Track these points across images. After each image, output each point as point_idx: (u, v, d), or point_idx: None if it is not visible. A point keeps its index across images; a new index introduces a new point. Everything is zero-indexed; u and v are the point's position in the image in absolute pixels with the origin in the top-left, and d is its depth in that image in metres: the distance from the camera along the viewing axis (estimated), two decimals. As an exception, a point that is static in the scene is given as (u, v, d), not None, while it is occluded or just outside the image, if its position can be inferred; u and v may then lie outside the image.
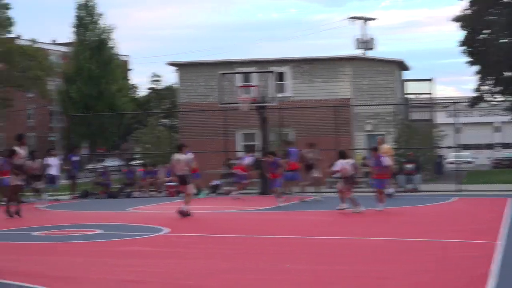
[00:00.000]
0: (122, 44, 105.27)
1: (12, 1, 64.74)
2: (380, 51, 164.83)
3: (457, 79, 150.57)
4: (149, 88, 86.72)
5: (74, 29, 69.08)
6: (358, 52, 60.18)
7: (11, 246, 15.23)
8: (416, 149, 35.91)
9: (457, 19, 52.78)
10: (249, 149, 34.43)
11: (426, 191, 29.87)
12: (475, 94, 54.58)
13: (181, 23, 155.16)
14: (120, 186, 34.17)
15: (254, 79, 36.50)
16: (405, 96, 48.59)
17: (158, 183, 32.67)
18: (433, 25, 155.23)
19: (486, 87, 54.00)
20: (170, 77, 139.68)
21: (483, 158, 66.34)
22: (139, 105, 78.44)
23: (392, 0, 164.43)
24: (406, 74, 47.97)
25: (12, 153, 21.64)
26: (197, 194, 27.50)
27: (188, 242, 15.14)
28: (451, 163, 45.54)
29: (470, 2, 52.28)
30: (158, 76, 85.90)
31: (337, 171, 21.08)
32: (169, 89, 79.94)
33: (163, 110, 73.82)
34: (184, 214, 20.06)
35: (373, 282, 10.23)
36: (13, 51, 64.38)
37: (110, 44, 69.19)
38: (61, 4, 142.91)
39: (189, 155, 21.81)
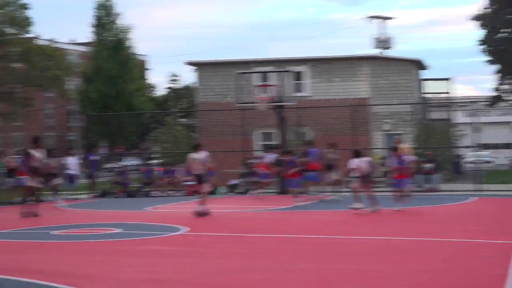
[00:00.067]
0: (141, 43, 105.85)
1: (31, 1, 65.08)
2: (398, 50, 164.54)
3: (476, 78, 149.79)
4: (167, 88, 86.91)
5: (92, 29, 69.40)
6: (376, 52, 59.92)
7: (30, 244, 15.33)
8: (434, 149, 35.78)
9: (476, 18, 52.55)
10: (270, 148, 34.35)
11: (445, 191, 29.74)
12: (494, 93, 54.30)
13: (199, 22, 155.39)
14: (138, 185, 34.29)
15: (272, 79, 36.50)
16: (423, 95, 48.43)
17: (176, 182, 32.73)
18: (452, 24, 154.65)
19: (505, 86, 53.70)
20: (188, 77, 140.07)
21: (502, 158, 65.94)
22: (158, 104, 78.61)
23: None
24: (424, 73, 47.86)
25: (28, 155, 21.74)
26: (213, 193, 27.53)
27: (207, 242, 15.17)
28: (470, 162, 45.32)
29: (490, 0, 52.03)
30: (176, 76, 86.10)
31: (353, 169, 21.03)
32: (187, 89, 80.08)
33: (181, 110, 73.93)
34: (201, 214, 20.10)
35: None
36: (32, 51, 64.63)
37: (128, 43, 69.44)
38: (80, 4, 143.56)
39: (205, 155, 21.79)
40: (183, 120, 64.80)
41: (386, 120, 40.66)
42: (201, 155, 21.03)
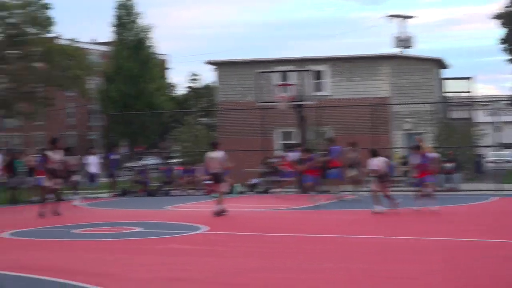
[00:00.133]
0: (162, 43, 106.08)
1: (52, 1, 65.39)
2: (418, 49, 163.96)
3: (497, 77, 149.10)
4: (188, 87, 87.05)
5: (113, 29, 69.69)
6: (397, 51, 59.73)
7: (51, 243, 15.44)
8: (455, 148, 35.63)
9: (497, 16, 52.25)
10: (292, 146, 34.28)
11: (466, 191, 29.61)
12: (515, 93, 53.97)
13: (220, 22, 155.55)
14: (158, 184, 34.39)
15: (292, 78, 36.47)
16: (444, 94, 48.23)
17: (196, 182, 32.80)
18: (473, 22, 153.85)
19: (527, 85, 53.37)
20: (209, 76, 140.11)
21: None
22: (178, 103, 78.78)
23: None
24: (445, 72, 47.65)
25: (45, 157, 21.83)
26: (230, 192, 27.55)
27: (226, 241, 15.21)
28: (491, 162, 45.09)
29: (511, -1, 51.72)
30: (196, 75, 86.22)
31: (373, 170, 20.90)
32: (207, 88, 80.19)
33: (202, 109, 74.06)
34: (219, 213, 20.14)
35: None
36: (53, 50, 65.00)
37: (149, 43, 69.66)
38: (101, 4, 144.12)
39: (222, 154, 21.69)
40: (203, 119, 64.89)
41: (406, 120, 40.53)
42: (218, 154, 21.01)
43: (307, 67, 35.20)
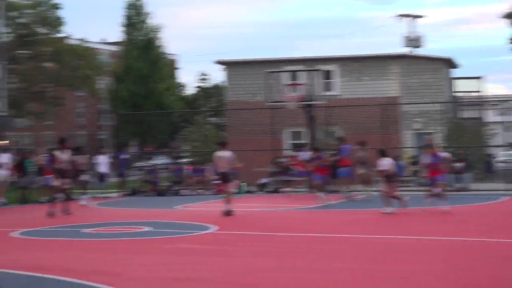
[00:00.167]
0: (172, 43, 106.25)
1: (62, 0, 65.56)
2: (428, 49, 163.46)
3: (507, 77, 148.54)
4: (197, 87, 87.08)
5: (123, 29, 69.80)
6: (406, 50, 59.60)
7: (61, 242, 15.48)
8: (465, 148, 35.54)
9: (507, 15, 52.08)
10: (303, 146, 34.27)
11: (476, 190, 29.54)
12: (525, 92, 53.82)
13: (229, 21, 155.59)
14: (168, 184, 34.43)
15: (301, 78, 36.45)
16: (454, 94, 48.12)
17: (205, 181, 32.81)
18: (483, 22, 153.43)
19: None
20: (218, 76, 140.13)
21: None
22: (187, 103, 78.84)
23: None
24: (455, 72, 47.54)
25: (52, 157, 21.84)
26: (237, 192, 27.54)
27: (236, 240, 15.22)
28: (501, 162, 44.97)
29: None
30: (206, 75, 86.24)
31: (384, 171, 20.81)
32: (216, 88, 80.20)
33: (211, 109, 74.10)
34: (228, 213, 20.16)
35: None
36: (63, 50, 65.17)
37: (158, 43, 69.73)
38: (111, 4, 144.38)
39: (230, 153, 21.60)
40: (213, 119, 64.93)
41: (416, 119, 40.46)
42: (226, 153, 20.98)
43: (316, 67, 35.16)
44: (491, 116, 53.84)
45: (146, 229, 17.22)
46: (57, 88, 66.99)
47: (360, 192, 26.61)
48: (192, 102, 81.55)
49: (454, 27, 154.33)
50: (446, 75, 43.11)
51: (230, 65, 44.56)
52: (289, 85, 33.41)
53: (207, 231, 16.55)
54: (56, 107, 68.62)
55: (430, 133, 36.97)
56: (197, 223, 18.11)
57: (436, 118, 39.39)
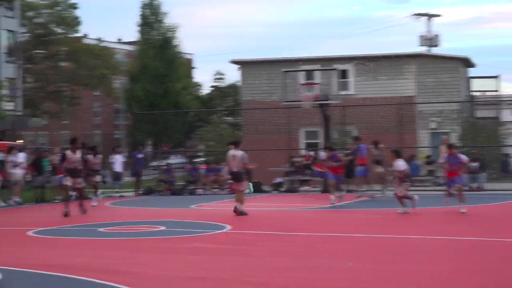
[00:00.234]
0: (187, 42, 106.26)
1: (78, 0, 65.63)
2: (445, 48, 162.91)
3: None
4: (212, 86, 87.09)
5: (139, 28, 69.92)
6: (423, 49, 59.43)
7: (75, 242, 15.53)
8: (481, 147, 35.37)
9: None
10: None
11: (491, 190, 29.38)
12: (543, 91, 53.47)
13: (245, 21, 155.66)
14: (183, 183, 34.45)
15: (317, 77, 36.39)
16: (471, 93, 47.90)
17: (221, 181, 32.80)
18: (500, 21, 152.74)
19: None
20: (234, 75, 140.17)
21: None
22: (203, 103, 78.91)
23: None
24: (471, 71, 47.31)
25: (64, 157, 21.81)
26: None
27: (251, 240, 15.22)
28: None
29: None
30: (222, 74, 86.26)
31: (400, 172, 20.64)
32: (232, 87, 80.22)
33: (227, 108, 74.13)
34: (242, 213, 20.12)
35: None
36: (80, 50, 65.39)
37: (175, 42, 69.79)
38: (127, 3, 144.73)
39: (242, 153, 21.46)
40: (228, 118, 64.99)
41: (432, 119, 40.30)
42: (238, 153, 20.89)
43: (333, 66, 35.09)
44: (507, 115, 53.51)
45: (160, 228, 17.24)
46: (73, 87, 67.23)
47: (375, 192, 26.50)
48: (207, 101, 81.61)
49: (470, 26, 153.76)
50: (462, 74, 42.91)
51: (245, 65, 44.54)
52: (305, 84, 33.35)
53: (222, 231, 16.54)
54: (72, 107, 68.85)
55: (446, 133, 36.82)
56: (212, 223, 18.11)
57: (452, 117, 39.23)
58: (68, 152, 21.57)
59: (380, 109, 37.72)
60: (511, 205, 23.32)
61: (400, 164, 20.61)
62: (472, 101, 46.54)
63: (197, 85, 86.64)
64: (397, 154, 20.96)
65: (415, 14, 68.57)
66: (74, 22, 65.80)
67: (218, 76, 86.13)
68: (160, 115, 59.80)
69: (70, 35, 65.67)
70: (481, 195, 27.18)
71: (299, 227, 17.18)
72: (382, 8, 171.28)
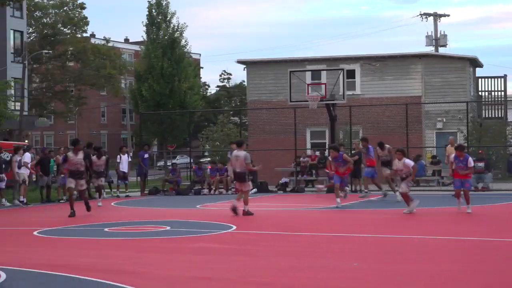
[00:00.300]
0: (192, 42, 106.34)
1: (86, 0, 65.78)
2: (452, 48, 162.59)
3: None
4: (219, 86, 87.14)
5: (146, 28, 69.94)
6: (430, 49, 59.31)
7: (80, 241, 15.53)
8: (488, 147, 35.28)
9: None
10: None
11: (497, 190, 29.32)
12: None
13: (251, 21, 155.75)
14: (189, 183, 34.45)
15: (324, 77, 36.38)
16: (478, 93, 47.77)
17: (226, 181, 32.80)
18: (508, 21, 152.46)
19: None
20: (240, 75, 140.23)
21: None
22: (209, 103, 78.98)
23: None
24: (478, 71, 47.19)
25: (65, 159, 21.72)
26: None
27: (255, 240, 15.20)
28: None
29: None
30: (228, 74, 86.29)
31: (412, 169, 20.52)
32: (238, 87, 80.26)
33: (233, 108, 74.16)
34: (247, 213, 20.07)
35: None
36: (87, 50, 65.53)
37: (182, 42, 69.80)
38: (134, 3, 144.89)
39: (244, 153, 21.31)
40: (235, 118, 64.99)
41: (439, 119, 40.24)
42: (242, 153, 20.75)
43: (340, 66, 35.07)
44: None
45: (166, 228, 17.23)
46: (79, 87, 67.38)
47: (379, 192, 26.43)
48: (214, 101, 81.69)
49: (478, 26, 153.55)
50: (469, 74, 42.81)
51: (251, 65, 44.54)
52: (311, 84, 33.34)
53: (227, 231, 16.53)
54: (78, 107, 69.01)
55: (452, 133, 36.76)
56: (217, 223, 18.10)
57: (459, 117, 39.15)
58: (70, 154, 21.43)
59: (386, 109, 37.68)
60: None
61: (407, 163, 20.45)
62: (479, 101, 46.43)
63: (205, 85, 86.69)
64: (403, 154, 20.84)
65: (423, 14, 68.39)
66: (82, 22, 65.97)
67: (224, 76, 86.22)
68: (166, 115, 59.79)
69: (78, 35, 65.86)
70: (487, 195, 27.15)
71: (304, 227, 17.16)
72: (390, 8, 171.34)
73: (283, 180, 33.58)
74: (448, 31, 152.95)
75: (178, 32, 69.37)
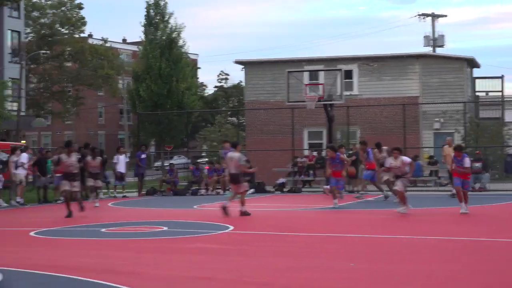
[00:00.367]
0: (190, 43, 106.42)
1: (83, 0, 65.77)
2: (449, 48, 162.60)
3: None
4: (216, 87, 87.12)
5: (144, 28, 69.93)
6: (427, 50, 59.36)
7: (79, 242, 15.52)
8: (485, 148, 35.32)
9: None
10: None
11: (494, 191, 29.34)
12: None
13: (251, 21, 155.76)
14: (186, 183, 34.45)
15: (322, 77, 36.38)
16: (475, 94, 47.81)
17: (224, 181, 32.78)
18: (505, 21, 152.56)
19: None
20: (238, 75, 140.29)
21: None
22: (207, 103, 78.98)
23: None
24: (476, 72, 47.24)
25: (58, 161, 21.56)
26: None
27: (252, 240, 15.21)
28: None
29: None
30: (226, 74, 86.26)
31: (409, 166, 20.51)
32: (236, 87, 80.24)
33: (230, 108, 74.17)
34: (244, 213, 20.07)
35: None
36: (84, 50, 65.49)
37: (180, 43, 69.79)
38: (132, 3, 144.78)
39: (239, 155, 21.29)
40: (232, 119, 65.01)
41: (436, 119, 40.26)
42: (236, 154, 20.75)
43: (338, 67, 35.09)
44: (511, 116, 53.39)
45: (163, 228, 17.23)
46: (77, 87, 67.33)
47: (375, 193, 26.45)
48: (211, 102, 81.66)
49: (476, 26, 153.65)
50: (467, 75, 42.83)
51: (249, 65, 44.53)
52: (309, 84, 33.36)
53: (224, 231, 16.53)
54: (76, 107, 68.97)
55: (450, 133, 36.77)
56: (215, 223, 18.10)
57: (456, 118, 39.15)
58: (63, 156, 21.27)
59: (384, 109, 37.70)
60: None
61: (405, 160, 20.41)
62: (477, 102, 46.47)
63: (202, 86, 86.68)
64: (399, 151, 20.81)
65: (421, 15, 68.46)
66: (80, 23, 65.93)
67: (222, 77, 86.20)
68: (164, 115, 59.79)
69: (75, 35, 65.82)
70: (484, 196, 27.17)
71: (301, 228, 17.17)
72: (388, 9, 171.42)
73: (281, 180, 33.60)
74: (445, 31, 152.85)
75: (176, 33, 69.35)
